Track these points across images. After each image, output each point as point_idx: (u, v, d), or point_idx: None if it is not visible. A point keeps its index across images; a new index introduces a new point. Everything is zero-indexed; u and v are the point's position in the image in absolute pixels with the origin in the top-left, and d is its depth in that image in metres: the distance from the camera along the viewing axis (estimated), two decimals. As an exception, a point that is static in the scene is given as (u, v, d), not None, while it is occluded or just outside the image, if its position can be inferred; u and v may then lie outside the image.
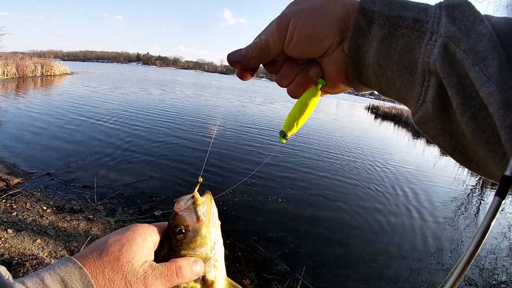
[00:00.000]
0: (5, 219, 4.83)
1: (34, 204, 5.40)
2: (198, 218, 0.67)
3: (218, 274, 0.70)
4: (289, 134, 0.64)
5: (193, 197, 0.69)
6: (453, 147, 0.48)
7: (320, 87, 0.61)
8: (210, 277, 0.68)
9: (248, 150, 10.74)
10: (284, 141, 0.65)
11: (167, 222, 0.69)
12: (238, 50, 0.62)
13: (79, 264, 0.54)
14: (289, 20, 0.54)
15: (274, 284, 4.24)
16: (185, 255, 0.65)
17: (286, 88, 0.64)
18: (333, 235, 5.88)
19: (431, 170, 12.63)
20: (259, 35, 0.59)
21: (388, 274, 4.93)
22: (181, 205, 0.69)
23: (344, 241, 5.75)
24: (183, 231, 0.66)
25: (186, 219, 0.67)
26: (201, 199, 0.69)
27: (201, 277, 0.67)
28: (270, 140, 12.83)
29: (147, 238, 0.62)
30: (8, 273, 0.51)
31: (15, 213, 5.04)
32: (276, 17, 0.57)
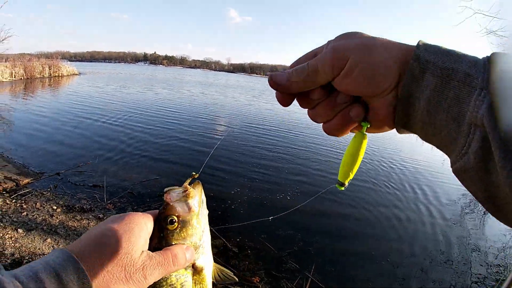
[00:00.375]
0: (15, 219, 4.86)
1: (44, 204, 5.44)
2: (189, 209, 0.69)
3: (207, 260, 0.73)
4: (346, 182, 0.65)
5: (185, 189, 0.71)
6: (486, 197, 0.48)
7: (365, 129, 0.60)
8: (199, 263, 0.70)
9: (257, 151, 10.74)
10: (342, 188, 0.65)
11: (158, 210, 0.71)
12: (282, 72, 0.60)
13: (74, 257, 0.53)
14: (348, 55, 0.53)
15: (284, 282, 4.23)
16: (176, 244, 0.67)
17: (321, 124, 0.63)
18: (343, 232, 5.86)
19: (440, 167, 12.51)
20: (304, 61, 0.58)
21: (398, 272, 4.89)
22: (173, 196, 0.70)
23: (354, 238, 5.72)
24: (175, 221, 0.68)
25: (177, 210, 0.68)
26: (193, 192, 0.71)
27: (191, 265, 0.69)
28: (281, 141, 12.81)
29: (143, 227, 0.63)
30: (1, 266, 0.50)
31: (25, 213, 5.07)
32: (327, 46, 0.57)
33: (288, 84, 0.59)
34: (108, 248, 0.57)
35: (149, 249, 0.64)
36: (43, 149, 8.55)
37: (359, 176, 9.04)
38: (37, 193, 5.83)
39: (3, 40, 27.56)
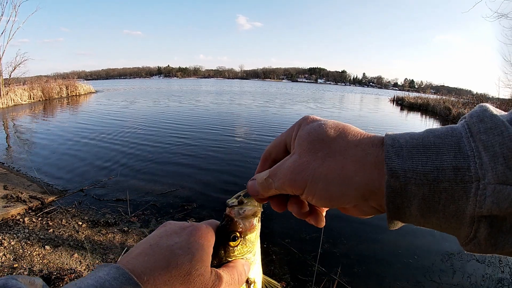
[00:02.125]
0: (42, 236, 4.96)
1: (69, 220, 5.53)
2: (251, 226, 0.66)
3: (258, 273, 0.70)
4: None
5: (251, 208, 0.66)
6: (509, 253, 0.43)
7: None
8: (252, 277, 0.67)
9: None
10: None
11: (216, 221, 0.67)
12: (253, 181, 0.59)
13: (135, 279, 0.46)
14: (306, 180, 0.50)
15: (310, 286, 4.19)
16: (238, 260, 0.63)
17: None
18: (368, 232, 5.78)
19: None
20: (269, 176, 0.55)
21: (427, 270, 4.79)
22: (236, 211, 0.65)
23: (380, 237, 5.63)
24: (237, 238, 0.64)
25: (241, 226, 0.65)
26: (258, 211, 0.66)
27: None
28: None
29: (210, 243, 0.58)
30: (42, 283, 0.44)
31: (51, 230, 5.17)
32: (287, 162, 0.53)
33: (260, 196, 0.58)
34: (179, 270, 0.50)
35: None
36: (66, 167, 8.72)
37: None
38: (62, 210, 5.94)
39: (19, 64, 28.28)
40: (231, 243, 0.63)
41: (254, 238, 0.66)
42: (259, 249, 0.70)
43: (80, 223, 5.45)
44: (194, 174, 8.33)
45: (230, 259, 0.63)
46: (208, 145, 11.49)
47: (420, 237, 5.68)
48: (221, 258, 0.62)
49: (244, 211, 0.65)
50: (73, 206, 6.17)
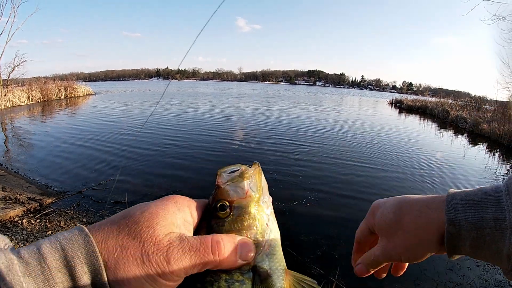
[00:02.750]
0: (40, 238, 4.95)
1: (68, 222, 5.53)
2: (245, 193, 0.57)
3: (275, 264, 0.57)
4: None
5: (239, 169, 0.59)
6: None
7: None
8: (263, 267, 0.56)
9: (277, 157, 10.74)
10: None
11: (204, 200, 0.60)
12: (360, 265, 0.85)
13: (87, 230, 0.46)
14: (399, 257, 0.71)
15: None
16: (225, 234, 0.54)
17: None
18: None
19: (461, 160, 12.35)
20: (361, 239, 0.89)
21: (425, 270, 4.80)
22: (224, 177, 0.58)
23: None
24: (226, 207, 0.56)
25: (230, 193, 0.57)
26: (249, 171, 0.59)
27: (249, 267, 0.55)
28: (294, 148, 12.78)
29: (183, 208, 0.54)
30: (8, 243, 0.45)
31: (50, 232, 5.16)
32: (380, 246, 0.74)
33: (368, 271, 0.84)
34: (128, 219, 0.50)
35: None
36: (64, 169, 8.71)
37: (380, 177, 8.96)
38: (61, 212, 5.94)
39: (18, 65, 28.22)
40: (220, 214, 0.56)
41: (254, 211, 0.57)
42: (277, 234, 0.60)
43: (79, 225, 5.44)
44: (192, 177, 8.33)
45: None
46: (206, 148, 11.47)
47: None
48: (209, 232, 0.55)
49: (234, 174, 0.58)
50: (72, 208, 6.16)
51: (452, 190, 0.65)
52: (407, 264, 0.80)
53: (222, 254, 0.51)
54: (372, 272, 0.82)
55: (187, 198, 0.57)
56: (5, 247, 0.43)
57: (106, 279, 0.45)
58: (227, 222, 0.56)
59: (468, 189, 0.63)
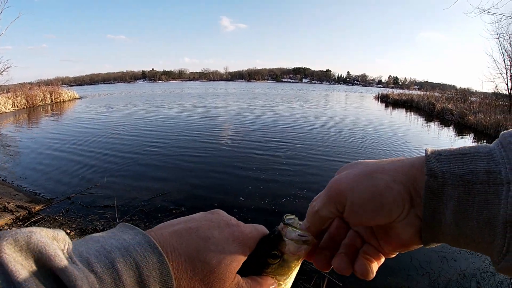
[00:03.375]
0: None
1: (57, 228, 5.48)
2: (298, 254, 0.60)
3: None
4: None
5: (306, 235, 0.60)
6: None
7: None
8: None
9: (266, 159, 10.75)
10: None
11: (265, 229, 0.63)
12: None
13: (159, 248, 0.45)
14: (345, 191, 0.52)
15: (300, 283, 4.22)
16: (267, 277, 0.58)
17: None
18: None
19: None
20: (314, 200, 0.58)
21: (419, 264, 4.84)
22: (290, 233, 0.59)
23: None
24: (278, 257, 0.59)
25: (287, 248, 0.59)
26: (312, 239, 0.60)
27: None
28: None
29: (247, 250, 0.55)
30: (68, 241, 0.41)
31: (40, 240, 5.12)
32: (328, 185, 0.55)
33: (310, 227, 0.59)
34: (204, 266, 0.49)
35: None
36: (52, 175, 8.63)
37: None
38: (50, 219, 5.89)
39: (2, 71, 27.78)
40: (269, 260, 0.59)
41: (293, 265, 0.60)
42: (293, 279, 0.65)
43: (68, 231, 5.40)
44: (181, 178, 8.30)
45: (260, 273, 0.59)
46: (194, 149, 11.48)
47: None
48: (252, 267, 0.58)
49: (297, 235, 0.59)
50: (61, 214, 6.11)
51: (429, 148, 0.52)
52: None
53: None
54: (314, 230, 0.59)
55: (249, 231, 0.58)
56: (68, 250, 0.40)
57: None
58: (271, 267, 0.59)
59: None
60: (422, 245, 0.53)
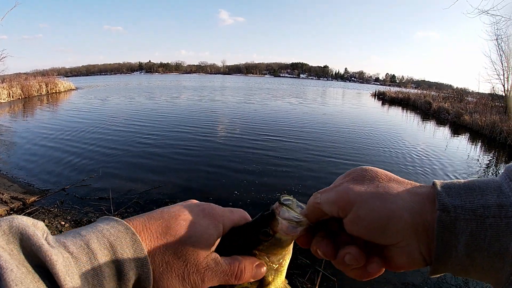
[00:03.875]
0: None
1: (52, 220, 5.47)
2: (292, 234, 0.59)
3: (278, 278, 0.64)
4: None
5: (301, 217, 0.60)
6: None
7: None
8: (268, 279, 0.62)
9: (257, 152, 10.75)
10: None
11: (245, 213, 0.64)
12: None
13: (132, 229, 0.49)
14: (354, 201, 0.52)
15: (295, 278, 4.24)
16: (255, 255, 0.60)
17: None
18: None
19: (443, 151, 12.54)
20: (319, 192, 0.58)
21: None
22: (283, 212, 0.59)
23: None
24: (269, 235, 0.59)
25: (280, 227, 0.59)
26: (306, 222, 0.60)
27: (258, 280, 0.61)
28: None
29: (219, 225, 0.57)
30: (46, 230, 0.43)
31: (34, 231, 5.10)
32: (336, 185, 0.56)
33: (308, 213, 0.59)
34: (176, 239, 0.52)
35: (221, 246, 0.57)
36: (46, 166, 8.61)
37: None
38: (44, 210, 5.87)
39: (-3, 62, 27.57)
40: (261, 236, 0.59)
41: (285, 245, 0.61)
42: (290, 256, 0.65)
43: (63, 223, 5.39)
44: (177, 171, 8.30)
45: (252, 253, 0.60)
46: (190, 141, 11.48)
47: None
48: (241, 246, 0.60)
49: (291, 215, 0.59)
50: (55, 206, 6.09)
51: (437, 181, 0.52)
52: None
53: (242, 279, 0.56)
54: (311, 217, 0.58)
55: (221, 211, 0.59)
56: (46, 237, 0.42)
57: (151, 285, 0.48)
58: (262, 245, 0.59)
59: (456, 179, 0.52)
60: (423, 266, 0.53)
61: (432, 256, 0.50)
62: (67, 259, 0.40)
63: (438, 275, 0.53)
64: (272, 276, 0.63)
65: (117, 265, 0.45)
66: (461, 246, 0.47)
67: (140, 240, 0.48)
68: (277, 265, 0.62)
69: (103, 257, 0.44)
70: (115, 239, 0.46)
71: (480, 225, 0.46)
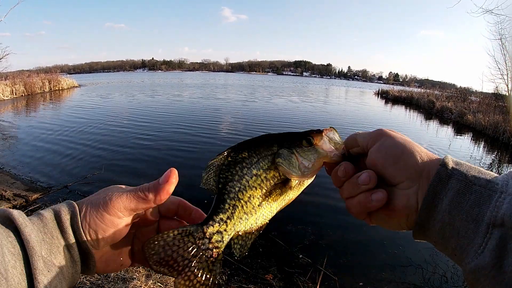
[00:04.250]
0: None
1: (54, 217, 5.48)
2: (326, 153, 0.72)
3: (298, 189, 0.77)
4: None
5: (341, 145, 0.75)
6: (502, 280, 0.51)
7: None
8: (292, 183, 0.75)
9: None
10: None
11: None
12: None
13: (71, 202, 0.68)
14: (382, 136, 0.69)
15: (296, 277, 4.25)
16: (292, 153, 0.72)
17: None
18: (353, 223, 5.85)
19: (446, 150, 12.52)
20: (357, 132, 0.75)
21: (412, 260, 4.89)
22: (331, 135, 0.75)
23: (364, 228, 5.71)
24: (311, 143, 0.73)
25: (321, 142, 0.73)
26: (342, 147, 0.74)
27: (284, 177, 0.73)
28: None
29: (137, 193, 0.70)
30: (23, 215, 0.61)
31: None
32: (374, 132, 0.71)
33: (345, 145, 0.75)
34: (102, 197, 0.68)
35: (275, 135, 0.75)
36: (49, 164, 8.63)
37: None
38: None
39: (1, 59, 27.60)
40: (304, 141, 0.73)
41: (317, 157, 0.72)
42: (308, 183, 0.77)
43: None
44: (179, 169, 8.28)
45: (290, 150, 0.73)
46: (194, 140, 11.44)
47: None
48: (288, 141, 0.74)
49: (334, 138, 0.75)
50: (58, 203, 6.10)
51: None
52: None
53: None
54: (344, 148, 0.75)
55: (143, 186, 0.74)
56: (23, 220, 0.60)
57: (79, 218, 0.65)
58: (302, 149, 0.73)
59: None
60: (405, 229, 0.67)
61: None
62: (24, 218, 0.60)
63: (421, 239, 0.64)
64: (296, 183, 0.75)
65: (55, 211, 0.65)
66: (447, 201, 0.58)
67: (75, 206, 0.67)
68: (304, 174, 0.72)
69: (48, 216, 0.64)
70: (57, 207, 0.66)
71: (467, 188, 0.57)
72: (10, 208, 0.61)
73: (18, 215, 0.59)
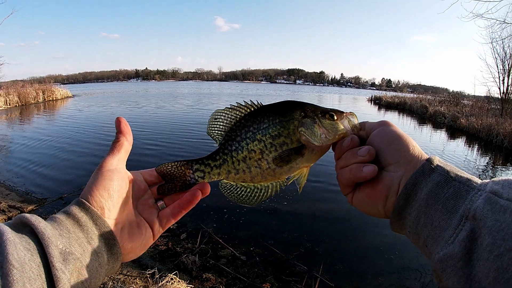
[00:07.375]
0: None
1: (50, 229, 5.44)
2: (346, 131, 0.83)
3: (309, 161, 0.90)
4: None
5: (359, 125, 0.86)
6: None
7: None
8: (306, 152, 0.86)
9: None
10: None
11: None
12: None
13: (83, 200, 0.76)
14: (385, 124, 0.79)
15: (293, 285, 4.25)
16: (315, 123, 0.84)
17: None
18: (349, 230, 5.87)
19: (441, 154, 12.56)
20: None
21: (408, 265, 4.90)
22: (351, 117, 0.86)
23: (360, 235, 5.73)
24: (333, 119, 0.84)
25: (343, 121, 0.85)
26: (357, 129, 0.85)
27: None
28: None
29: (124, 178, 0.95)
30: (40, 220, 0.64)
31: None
32: (379, 121, 0.82)
33: (359, 128, 0.85)
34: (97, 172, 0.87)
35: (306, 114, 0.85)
36: (44, 175, 8.58)
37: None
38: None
39: (-5, 68, 27.46)
40: (327, 115, 0.85)
41: (336, 134, 0.83)
42: (318, 158, 0.89)
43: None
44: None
45: (313, 119, 0.85)
46: (190, 149, 11.45)
47: (400, 235, 5.78)
48: (312, 114, 0.85)
49: (353, 121, 0.86)
50: (54, 213, 6.07)
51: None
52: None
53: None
54: (357, 130, 0.85)
55: (136, 174, 1.01)
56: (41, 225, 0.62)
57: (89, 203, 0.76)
58: (325, 121, 0.84)
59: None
60: (382, 216, 0.76)
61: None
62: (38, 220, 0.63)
63: (398, 229, 0.73)
64: (309, 156, 0.87)
65: (65, 210, 0.73)
66: (426, 190, 0.63)
67: (82, 199, 0.77)
68: (322, 143, 0.83)
69: (61, 214, 0.71)
70: (71, 204, 0.75)
71: (446, 182, 0.62)
72: (4, 220, 0.66)
73: (31, 216, 0.62)
